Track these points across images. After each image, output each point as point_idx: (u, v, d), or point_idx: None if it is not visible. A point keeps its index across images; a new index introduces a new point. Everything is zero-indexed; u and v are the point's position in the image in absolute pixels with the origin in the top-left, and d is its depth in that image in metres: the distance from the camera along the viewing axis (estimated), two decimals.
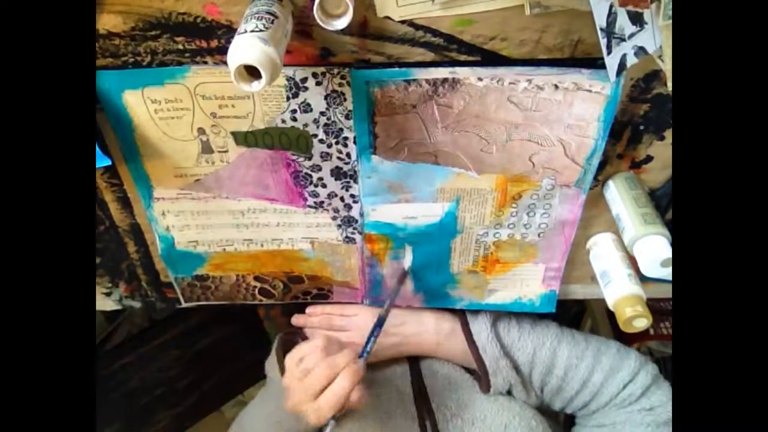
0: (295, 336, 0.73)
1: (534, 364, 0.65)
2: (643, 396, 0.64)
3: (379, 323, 0.60)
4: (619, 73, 0.44)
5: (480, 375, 0.66)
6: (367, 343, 0.58)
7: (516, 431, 0.62)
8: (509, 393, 0.66)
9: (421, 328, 0.68)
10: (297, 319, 0.73)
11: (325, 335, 0.60)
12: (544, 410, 0.68)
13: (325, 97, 0.49)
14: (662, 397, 0.64)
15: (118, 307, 0.69)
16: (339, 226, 0.60)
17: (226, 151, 0.53)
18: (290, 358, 0.58)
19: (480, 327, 0.67)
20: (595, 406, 0.66)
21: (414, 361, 0.70)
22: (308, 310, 0.71)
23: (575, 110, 0.49)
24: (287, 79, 0.48)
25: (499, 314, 0.68)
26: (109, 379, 0.90)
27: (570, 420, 0.72)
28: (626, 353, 0.65)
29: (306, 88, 0.48)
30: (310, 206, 0.58)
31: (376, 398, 0.66)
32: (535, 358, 0.65)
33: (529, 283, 0.65)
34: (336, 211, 0.59)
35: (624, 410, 0.64)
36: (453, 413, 0.64)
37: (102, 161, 0.50)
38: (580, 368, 0.64)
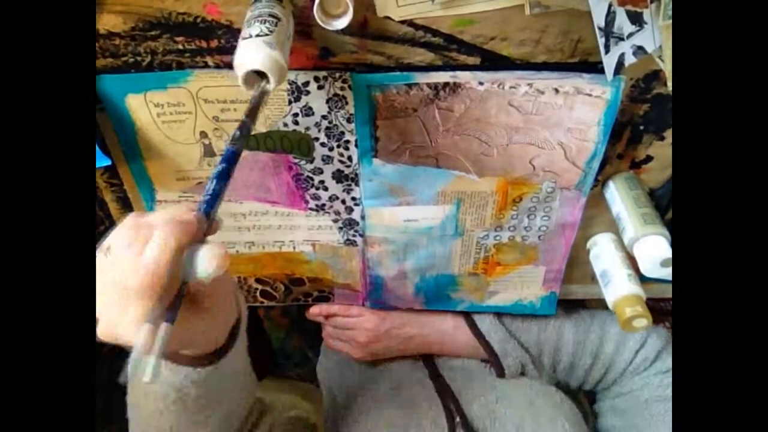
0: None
1: (542, 345, 0.65)
2: (657, 359, 0.64)
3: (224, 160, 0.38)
4: (616, 72, 0.44)
5: (492, 362, 0.66)
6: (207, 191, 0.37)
7: (542, 407, 0.62)
8: (523, 375, 0.67)
9: (423, 330, 0.69)
10: (314, 310, 0.73)
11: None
12: (564, 390, 0.68)
13: (327, 101, 0.49)
14: None
15: None
16: (340, 228, 0.60)
17: None
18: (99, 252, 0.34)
19: (482, 316, 0.67)
20: (612, 378, 0.66)
21: (428, 357, 0.71)
22: (311, 311, 0.72)
23: (575, 114, 0.49)
24: (289, 83, 0.48)
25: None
26: (109, 379, 0.90)
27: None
28: None
29: (308, 92, 0.48)
30: (311, 209, 0.58)
31: (398, 392, 0.66)
32: (541, 339, 0.65)
33: (529, 285, 0.65)
34: (337, 213, 0.59)
35: (640, 376, 0.65)
36: (476, 394, 0.64)
37: (102, 161, 0.50)
38: (589, 342, 0.65)
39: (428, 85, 0.48)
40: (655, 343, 0.64)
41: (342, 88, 0.48)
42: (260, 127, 0.51)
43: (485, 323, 0.66)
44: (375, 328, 0.68)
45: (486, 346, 0.66)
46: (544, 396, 0.63)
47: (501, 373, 0.66)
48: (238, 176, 0.55)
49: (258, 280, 0.67)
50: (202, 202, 0.35)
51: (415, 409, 0.62)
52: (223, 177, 0.36)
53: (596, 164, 0.52)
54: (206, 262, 0.31)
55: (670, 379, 0.63)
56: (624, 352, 0.64)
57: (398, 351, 0.70)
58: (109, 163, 0.50)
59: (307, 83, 0.48)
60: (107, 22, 0.44)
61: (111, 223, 0.59)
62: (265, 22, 0.39)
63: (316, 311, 0.71)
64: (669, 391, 0.62)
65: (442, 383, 0.66)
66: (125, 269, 0.31)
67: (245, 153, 0.53)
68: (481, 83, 0.47)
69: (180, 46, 0.46)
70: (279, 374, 1.16)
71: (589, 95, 0.47)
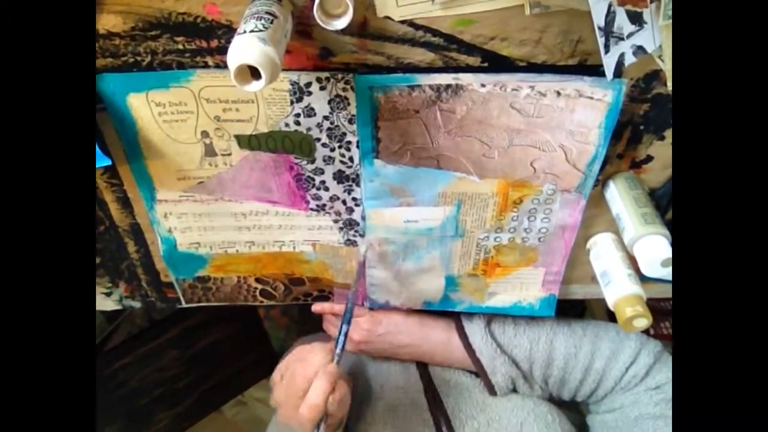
0: None
1: (533, 359, 0.65)
2: (648, 376, 0.64)
3: (346, 320, 0.58)
4: (616, 72, 0.44)
5: (482, 378, 0.66)
6: (336, 345, 0.56)
7: (532, 428, 0.62)
8: (514, 390, 0.67)
9: (416, 340, 0.69)
10: (316, 307, 0.73)
11: (302, 345, 0.59)
12: (557, 402, 0.68)
13: (329, 102, 0.49)
14: (667, 374, 0.64)
15: (118, 307, 0.69)
16: (341, 229, 0.60)
17: (230, 154, 0.53)
18: (276, 373, 0.58)
19: (474, 329, 0.67)
20: (602, 392, 0.66)
21: (423, 369, 0.71)
22: (314, 308, 0.72)
23: (577, 117, 0.49)
24: (291, 84, 0.48)
25: (494, 315, 0.68)
26: (109, 379, 0.90)
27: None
28: (626, 335, 0.66)
29: (310, 93, 0.48)
30: (312, 209, 0.58)
31: (392, 409, 0.66)
32: (532, 354, 0.65)
33: (528, 286, 0.65)
34: (338, 214, 0.59)
35: (630, 392, 0.65)
36: (468, 416, 0.64)
37: (102, 161, 0.50)
38: (580, 357, 0.65)
39: (430, 86, 0.48)
40: (645, 360, 0.64)
41: (344, 89, 0.48)
42: (262, 127, 0.51)
43: (477, 337, 0.66)
44: (370, 329, 0.68)
45: (476, 362, 0.66)
46: (535, 416, 0.63)
47: (492, 391, 0.66)
48: (238, 176, 0.55)
49: (258, 280, 0.67)
50: (336, 353, 0.55)
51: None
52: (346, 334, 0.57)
53: (597, 167, 0.52)
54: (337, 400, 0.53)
55: (660, 396, 0.63)
56: (614, 368, 0.64)
57: (389, 354, 0.70)
58: (109, 163, 0.50)
59: (309, 84, 0.48)
60: (107, 22, 0.44)
61: (111, 224, 0.59)
62: (260, 19, 0.39)
63: (318, 308, 0.71)
64: (658, 409, 0.62)
65: (437, 400, 0.66)
66: (300, 394, 0.52)
67: (246, 153, 0.53)
68: (483, 85, 0.47)
69: (180, 46, 0.46)
70: None
71: (591, 98, 0.47)
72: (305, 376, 0.53)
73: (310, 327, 1.11)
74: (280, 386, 0.56)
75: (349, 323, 0.57)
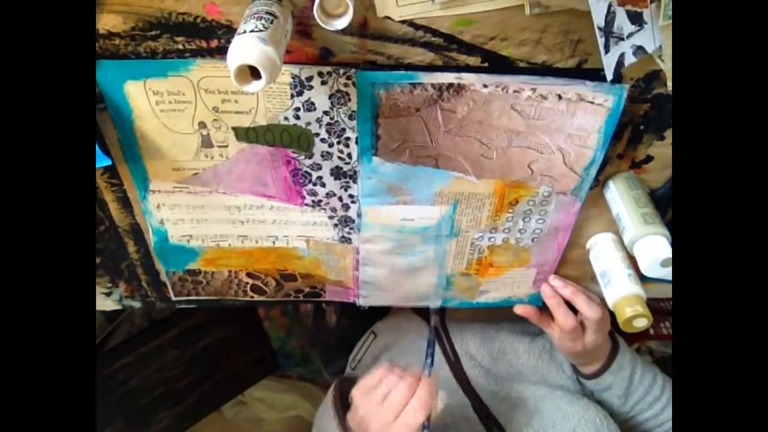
0: (351, 383, 0.72)
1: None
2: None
3: (430, 344, 0.64)
4: (616, 72, 0.44)
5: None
6: (426, 358, 0.61)
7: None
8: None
9: None
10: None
11: (386, 364, 0.61)
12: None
13: (330, 97, 0.49)
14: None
15: (118, 307, 0.69)
16: (336, 225, 0.60)
17: (226, 146, 0.53)
18: (361, 388, 0.59)
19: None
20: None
21: (467, 385, 0.71)
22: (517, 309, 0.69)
23: (577, 121, 0.49)
24: (292, 77, 0.48)
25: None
26: (109, 379, 0.90)
27: None
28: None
29: (311, 87, 0.48)
30: (307, 204, 0.58)
31: (444, 428, 0.67)
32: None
33: (519, 285, 0.66)
34: (333, 210, 0.59)
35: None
36: (521, 423, 0.66)
37: (102, 161, 0.50)
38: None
39: (432, 85, 0.48)
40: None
41: (345, 85, 0.48)
42: (260, 119, 0.51)
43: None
44: None
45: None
46: (586, 422, 0.65)
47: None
48: (234, 169, 0.55)
49: (249, 275, 0.66)
50: (425, 368, 0.60)
51: None
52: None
53: (594, 171, 0.53)
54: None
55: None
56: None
57: None
58: (109, 163, 0.50)
59: (310, 78, 0.48)
60: (107, 22, 0.44)
61: (111, 224, 0.59)
62: (260, 19, 0.39)
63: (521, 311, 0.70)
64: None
65: (486, 413, 0.67)
66: (403, 403, 0.55)
67: (243, 146, 0.53)
68: (485, 86, 0.47)
69: (180, 46, 0.46)
70: (279, 374, 1.17)
71: (592, 103, 0.48)
72: (410, 384, 0.56)
73: (311, 327, 1.11)
74: (372, 398, 0.57)
75: (433, 346, 0.64)
